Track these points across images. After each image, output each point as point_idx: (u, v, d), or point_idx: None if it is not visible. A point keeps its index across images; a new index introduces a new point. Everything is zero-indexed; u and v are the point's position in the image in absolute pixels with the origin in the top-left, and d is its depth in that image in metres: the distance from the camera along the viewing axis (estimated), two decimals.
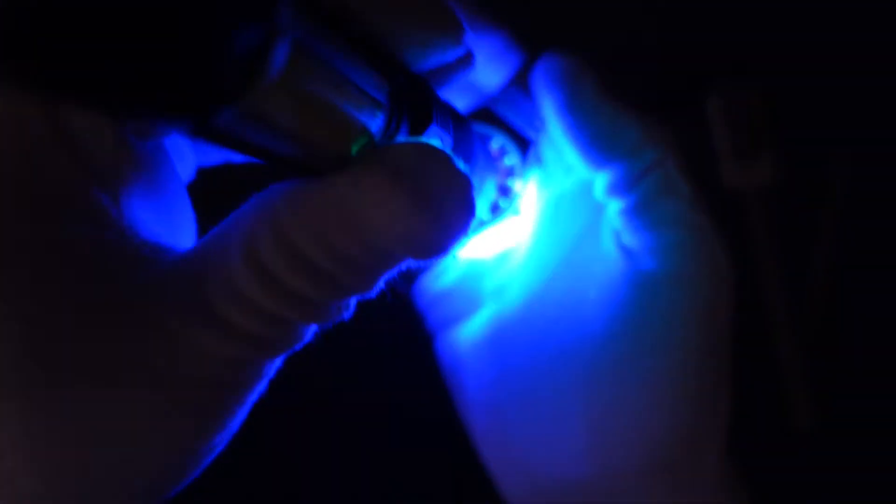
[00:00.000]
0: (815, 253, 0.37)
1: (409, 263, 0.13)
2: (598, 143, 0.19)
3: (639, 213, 0.19)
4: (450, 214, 0.12)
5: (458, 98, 0.22)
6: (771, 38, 0.38)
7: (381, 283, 0.13)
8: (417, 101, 0.14)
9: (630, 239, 0.20)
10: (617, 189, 0.19)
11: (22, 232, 0.12)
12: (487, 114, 0.22)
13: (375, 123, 0.12)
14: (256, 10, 0.09)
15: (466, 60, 0.16)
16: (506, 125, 0.21)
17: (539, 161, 0.22)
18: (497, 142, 0.22)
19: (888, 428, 0.35)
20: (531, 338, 0.21)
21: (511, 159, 0.22)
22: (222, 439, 0.14)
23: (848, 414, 0.36)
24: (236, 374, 0.13)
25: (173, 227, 0.15)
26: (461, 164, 0.13)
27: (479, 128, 0.21)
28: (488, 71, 0.21)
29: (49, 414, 0.12)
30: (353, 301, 0.14)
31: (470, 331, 0.22)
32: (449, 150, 0.15)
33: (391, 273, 0.13)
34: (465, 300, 0.22)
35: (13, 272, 0.11)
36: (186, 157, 0.17)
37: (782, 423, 0.36)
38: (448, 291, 0.23)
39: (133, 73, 0.08)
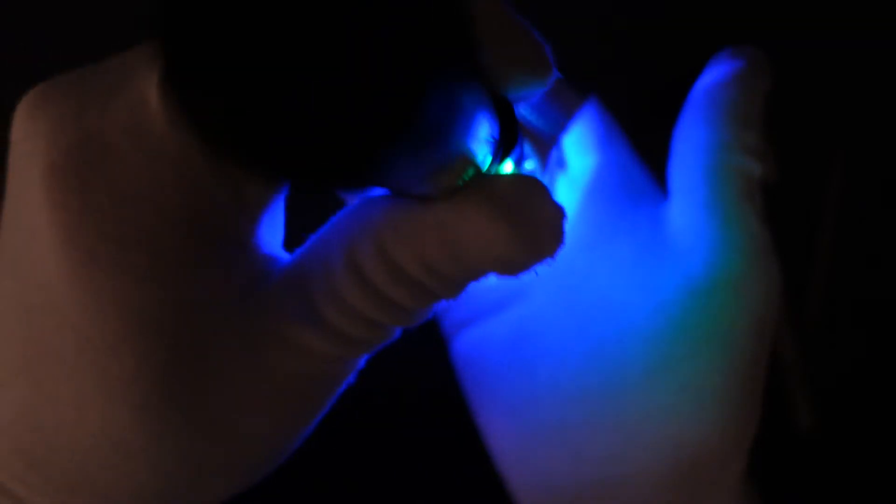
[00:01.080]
0: (816, 252, 0.37)
1: None
2: (735, 129, 0.20)
3: (717, 206, 0.20)
4: (544, 242, 0.13)
5: None
6: (770, 35, 0.38)
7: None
8: (508, 126, 0.14)
9: (689, 238, 0.20)
10: (711, 171, 0.20)
11: (178, 255, 0.13)
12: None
13: (484, 155, 0.13)
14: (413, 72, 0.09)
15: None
16: (527, 130, 0.21)
17: (563, 166, 0.22)
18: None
19: (889, 429, 0.35)
20: (559, 337, 0.21)
21: (531, 164, 0.21)
22: (314, 424, 0.16)
23: (849, 415, 0.36)
24: (334, 369, 0.15)
25: (272, 230, 0.16)
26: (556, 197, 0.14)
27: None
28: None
29: (181, 419, 0.13)
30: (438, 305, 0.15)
31: (490, 331, 0.22)
32: (517, 161, 0.16)
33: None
34: (483, 300, 0.22)
35: (164, 293, 0.13)
36: None
37: (782, 423, 0.36)
38: (465, 293, 0.22)
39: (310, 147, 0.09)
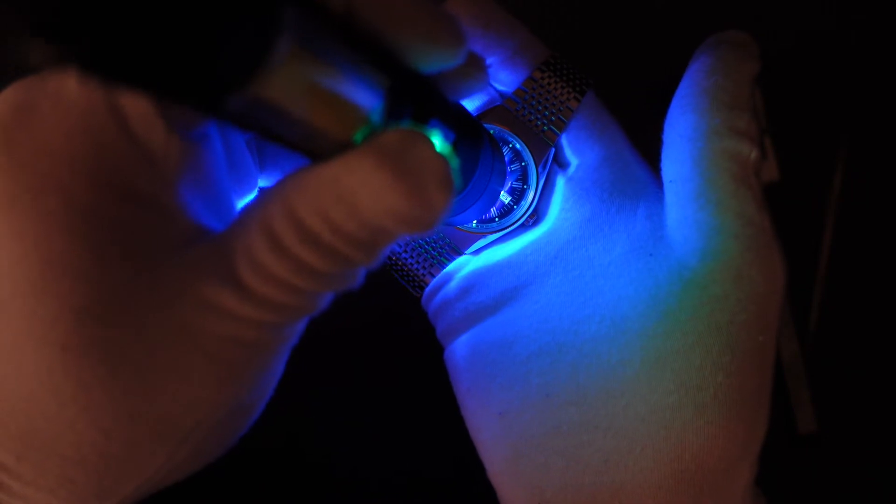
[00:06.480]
0: (819, 253, 0.37)
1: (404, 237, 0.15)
2: (723, 112, 0.19)
3: (709, 193, 0.19)
4: (428, 190, 0.13)
5: (475, 97, 0.22)
6: (769, 34, 0.38)
7: (383, 256, 0.15)
8: (420, 98, 0.15)
9: (684, 228, 0.19)
10: (700, 157, 0.19)
11: (90, 205, 0.14)
12: (505, 114, 0.21)
13: (376, 114, 0.13)
14: (262, 6, 0.10)
15: (480, 77, 0.17)
16: (524, 127, 0.21)
17: (561, 162, 0.22)
18: (510, 145, 0.21)
19: (889, 429, 0.35)
20: (552, 339, 0.20)
21: (525, 162, 0.21)
22: (253, 399, 0.16)
23: (852, 417, 0.36)
24: (259, 335, 0.15)
25: (221, 214, 0.16)
26: (444, 148, 0.14)
27: (494, 131, 0.21)
28: (502, 74, 0.21)
29: (105, 366, 0.13)
30: (361, 271, 0.15)
31: (482, 334, 0.21)
32: (450, 144, 0.16)
33: (391, 245, 0.15)
34: (476, 305, 0.21)
35: (79, 239, 0.13)
36: (250, 169, 0.18)
37: (785, 427, 0.36)
38: (458, 296, 0.22)
39: (151, 60, 0.10)
